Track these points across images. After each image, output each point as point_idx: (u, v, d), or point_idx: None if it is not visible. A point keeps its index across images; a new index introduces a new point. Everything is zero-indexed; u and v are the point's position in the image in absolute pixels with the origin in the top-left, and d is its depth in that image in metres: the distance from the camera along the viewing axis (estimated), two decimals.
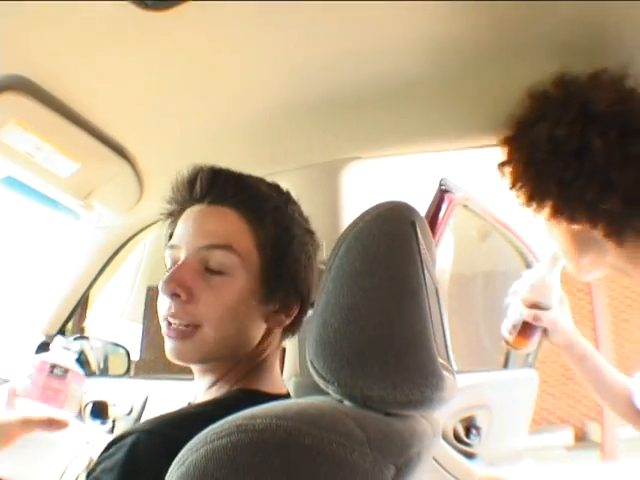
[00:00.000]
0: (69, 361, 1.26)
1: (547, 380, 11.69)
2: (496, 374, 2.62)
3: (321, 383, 0.72)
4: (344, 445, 0.62)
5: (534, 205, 1.18)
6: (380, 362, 0.69)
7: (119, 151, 1.69)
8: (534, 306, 1.50)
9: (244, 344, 1.13)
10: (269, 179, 1.28)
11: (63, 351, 1.27)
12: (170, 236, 1.20)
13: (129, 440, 0.88)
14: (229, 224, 1.12)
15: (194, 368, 1.17)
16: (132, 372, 2.75)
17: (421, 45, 1.32)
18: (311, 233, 1.25)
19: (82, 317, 2.60)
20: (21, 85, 1.38)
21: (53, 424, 1.19)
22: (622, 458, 9.67)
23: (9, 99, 1.38)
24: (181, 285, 1.07)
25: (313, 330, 0.73)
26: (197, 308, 1.07)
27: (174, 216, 1.21)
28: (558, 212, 1.14)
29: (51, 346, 1.31)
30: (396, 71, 1.39)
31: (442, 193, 1.92)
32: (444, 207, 1.92)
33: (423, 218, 0.91)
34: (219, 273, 1.09)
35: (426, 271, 0.91)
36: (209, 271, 1.09)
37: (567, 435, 11.25)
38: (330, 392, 0.72)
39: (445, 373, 0.86)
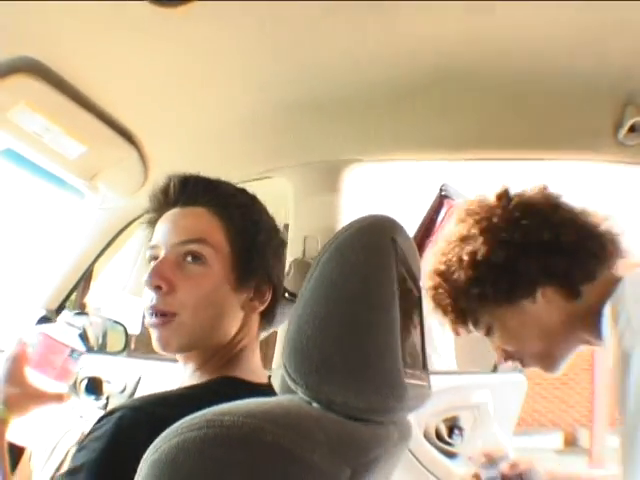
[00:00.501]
0: (73, 337, 1.34)
1: (541, 383, 11.72)
2: (484, 377, 2.65)
3: (292, 385, 0.76)
4: (303, 445, 0.67)
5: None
6: (345, 370, 0.74)
7: (126, 136, 1.73)
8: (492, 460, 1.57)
9: (222, 331, 1.21)
10: (270, 174, 1.34)
11: (67, 327, 1.34)
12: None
13: (117, 415, 0.96)
14: (202, 221, 1.22)
15: (178, 356, 1.25)
16: (133, 346, 2.80)
17: (427, 54, 1.36)
18: (277, 230, 1.34)
19: (84, 293, 2.64)
20: (32, 67, 1.41)
21: (62, 399, 1.30)
22: (609, 466, 9.70)
23: (19, 80, 1.41)
24: (162, 278, 1.15)
25: (288, 335, 0.78)
26: (176, 298, 1.16)
27: (153, 222, 1.30)
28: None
29: (57, 319, 1.37)
30: (402, 78, 1.44)
31: (442, 198, 1.96)
32: (443, 212, 1.95)
33: (406, 233, 0.94)
34: (195, 263, 1.18)
35: (407, 284, 0.95)
36: (186, 263, 1.18)
37: (557, 439, 11.30)
38: (299, 394, 0.77)
39: (416, 382, 0.91)
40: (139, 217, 2.13)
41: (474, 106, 1.52)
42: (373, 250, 0.81)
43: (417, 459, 2.01)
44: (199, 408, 0.73)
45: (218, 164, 1.39)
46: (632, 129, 1.50)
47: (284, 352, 0.77)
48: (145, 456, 0.69)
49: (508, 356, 1.40)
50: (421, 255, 1.90)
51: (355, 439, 0.76)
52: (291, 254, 1.55)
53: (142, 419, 0.95)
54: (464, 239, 1.36)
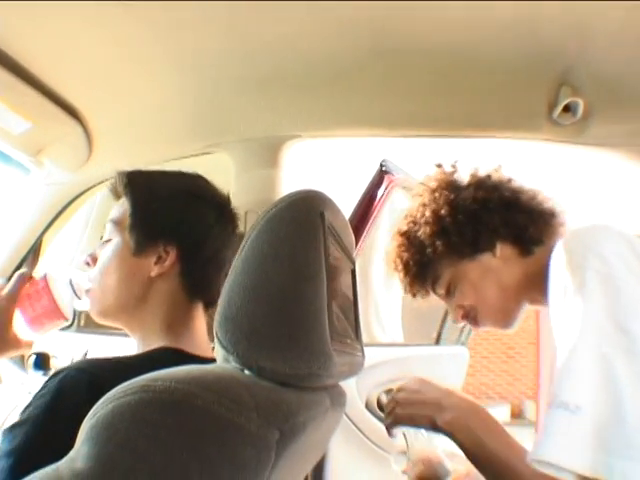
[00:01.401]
0: (66, 299, 1.37)
1: (488, 357, 11.92)
2: (425, 349, 2.73)
3: (224, 353, 0.80)
4: (232, 408, 0.71)
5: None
6: (273, 338, 0.78)
7: (71, 111, 1.73)
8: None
9: (127, 293, 1.27)
10: (211, 149, 1.50)
11: (67, 286, 1.36)
12: None
13: (61, 375, 1.00)
14: (121, 207, 1.32)
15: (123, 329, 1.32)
16: (83, 322, 2.80)
17: (366, 33, 1.39)
18: (188, 192, 1.33)
19: (32, 268, 2.63)
20: None
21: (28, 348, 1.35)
22: None
23: None
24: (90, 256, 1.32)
25: (220, 305, 0.82)
26: (93, 272, 1.30)
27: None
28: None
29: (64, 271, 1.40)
30: (339, 56, 1.46)
31: (382, 174, 1.99)
32: (383, 188, 1.99)
33: (337, 208, 0.98)
34: (105, 242, 1.30)
35: (338, 257, 0.99)
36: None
37: (504, 411, 11.46)
38: (231, 362, 0.81)
39: (347, 350, 0.95)
40: (84, 192, 2.14)
41: (409, 84, 1.56)
42: (301, 224, 0.85)
43: (359, 430, 2.04)
44: (139, 375, 0.76)
45: (160, 140, 1.41)
46: (567, 109, 1.54)
47: (215, 322, 0.81)
48: (84, 422, 0.72)
49: (465, 314, 1.46)
50: (362, 231, 1.95)
51: (284, 403, 0.80)
52: None
53: (84, 379, 0.98)
54: (428, 202, 1.45)
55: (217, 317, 0.81)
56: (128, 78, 1.61)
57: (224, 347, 0.79)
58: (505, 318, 1.44)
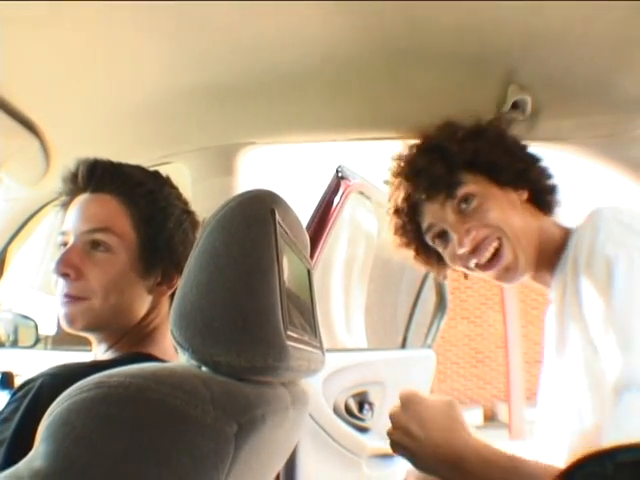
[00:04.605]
0: None
1: (458, 362, 12.04)
2: (392, 353, 2.75)
3: (180, 350, 0.81)
4: (187, 401, 0.72)
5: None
6: (227, 332, 0.79)
7: (27, 125, 1.72)
8: None
9: (130, 314, 1.28)
10: (168, 159, 1.50)
11: None
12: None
13: (37, 383, 1.01)
14: (108, 209, 1.28)
15: (90, 338, 1.31)
16: (49, 345, 2.78)
17: (316, 40, 1.40)
18: (188, 212, 1.40)
19: None
20: None
21: None
22: (529, 438, 10.00)
23: None
24: (70, 265, 1.22)
25: (174, 303, 0.83)
26: (85, 284, 1.23)
27: (65, 205, 1.35)
28: None
29: None
30: (292, 63, 1.47)
31: (339, 180, 2.01)
32: (340, 193, 2.01)
33: (288, 206, 1.00)
34: (101, 252, 1.24)
35: (291, 254, 1.01)
36: (94, 251, 1.25)
37: (477, 415, 11.57)
38: (188, 358, 0.82)
39: (303, 347, 0.97)
40: (43, 208, 2.13)
41: (360, 88, 1.57)
42: (252, 221, 0.86)
43: (328, 434, 2.05)
44: None
45: (117, 151, 1.41)
46: (515, 106, 1.56)
47: (170, 319, 0.82)
48: (42, 421, 0.73)
49: (482, 238, 1.34)
50: (320, 238, 1.96)
51: (241, 396, 0.81)
52: None
53: (60, 385, 0.97)
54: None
55: (172, 314, 0.82)
56: (83, 90, 1.61)
57: (180, 344, 0.81)
58: (527, 258, 1.34)
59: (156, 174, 1.40)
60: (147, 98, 1.63)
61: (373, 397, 2.30)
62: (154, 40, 1.40)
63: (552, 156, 1.59)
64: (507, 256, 1.33)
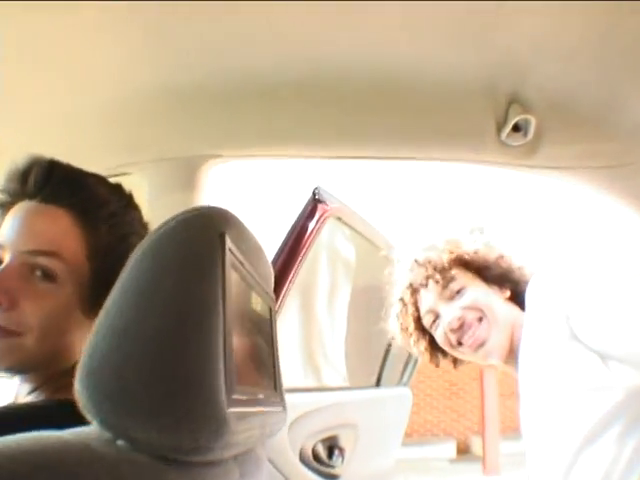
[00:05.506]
0: None
1: (432, 394, 12.05)
2: (365, 392, 2.55)
3: (88, 417, 0.59)
4: None
5: None
6: (144, 400, 0.57)
7: None
8: None
9: (68, 357, 1.04)
10: (123, 169, 1.33)
11: None
12: None
13: None
14: (59, 228, 1.03)
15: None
16: None
17: (296, 47, 1.28)
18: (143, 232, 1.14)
19: None
20: None
21: None
22: (503, 472, 9.90)
23: None
24: (3, 291, 0.97)
25: (83, 355, 0.61)
26: (19, 316, 0.98)
27: (4, 207, 1.09)
28: None
29: None
30: (266, 66, 1.34)
31: (315, 203, 1.82)
32: (316, 218, 1.82)
33: (246, 230, 0.79)
34: (44, 280, 1.00)
35: (247, 289, 0.80)
36: (34, 277, 1.00)
37: (450, 448, 11.56)
38: (99, 429, 0.60)
39: (256, 409, 0.76)
40: None
41: (343, 100, 1.44)
42: (193, 247, 0.65)
43: None
44: (29, 430, 0.58)
45: (69, 156, 1.24)
46: (516, 129, 1.45)
47: (77, 375, 0.60)
48: None
49: (470, 321, 1.57)
50: (293, 265, 1.78)
51: None
52: None
53: None
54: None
55: (79, 369, 0.60)
56: (31, 94, 1.45)
57: (87, 409, 0.59)
58: (504, 342, 1.56)
59: (120, 191, 1.16)
60: (102, 100, 1.47)
61: (344, 441, 2.12)
62: (110, 37, 1.26)
63: (550, 186, 1.62)
64: (487, 333, 1.56)
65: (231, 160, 1.57)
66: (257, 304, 0.86)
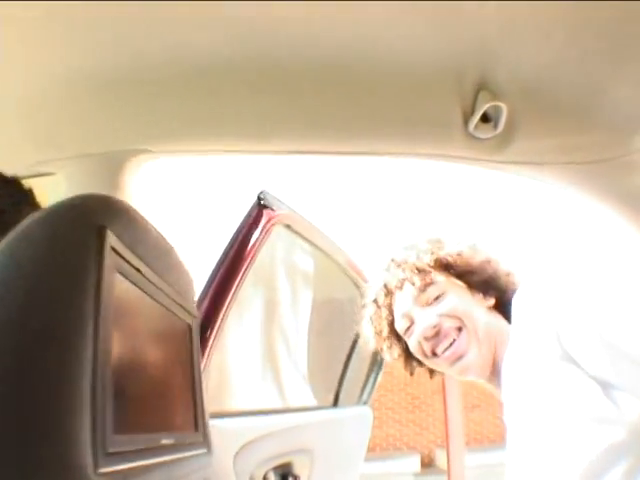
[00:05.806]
0: None
1: (393, 407, 12.07)
2: (322, 413, 2.43)
3: None
4: None
5: None
6: None
7: None
8: None
9: None
10: (40, 168, 1.30)
11: None
12: None
13: None
14: None
15: None
16: None
17: (234, 29, 1.16)
18: None
19: None
20: None
21: None
22: None
23: None
24: None
25: None
26: None
27: None
28: None
29: None
30: (199, 53, 1.22)
31: (260, 208, 1.66)
32: (261, 225, 1.66)
33: (146, 225, 0.62)
34: None
35: (127, 302, 0.62)
36: None
37: (414, 462, 11.53)
38: None
39: (161, 460, 0.58)
40: None
41: (288, 88, 1.31)
42: (60, 246, 0.48)
43: None
44: None
45: None
46: (485, 119, 1.34)
47: None
48: None
49: (447, 329, 1.45)
50: (234, 280, 1.63)
51: None
52: None
53: None
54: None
55: None
56: None
57: None
58: (485, 357, 1.44)
59: (15, 184, 1.09)
60: (18, 93, 1.35)
61: (299, 468, 1.99)
62: (25, 26, 1.16)
63: (524, 183, 1.52)
64: (467, 344, 1.43)
65: (161, 156, 1.44)
66: (166, 321, 0.68)
